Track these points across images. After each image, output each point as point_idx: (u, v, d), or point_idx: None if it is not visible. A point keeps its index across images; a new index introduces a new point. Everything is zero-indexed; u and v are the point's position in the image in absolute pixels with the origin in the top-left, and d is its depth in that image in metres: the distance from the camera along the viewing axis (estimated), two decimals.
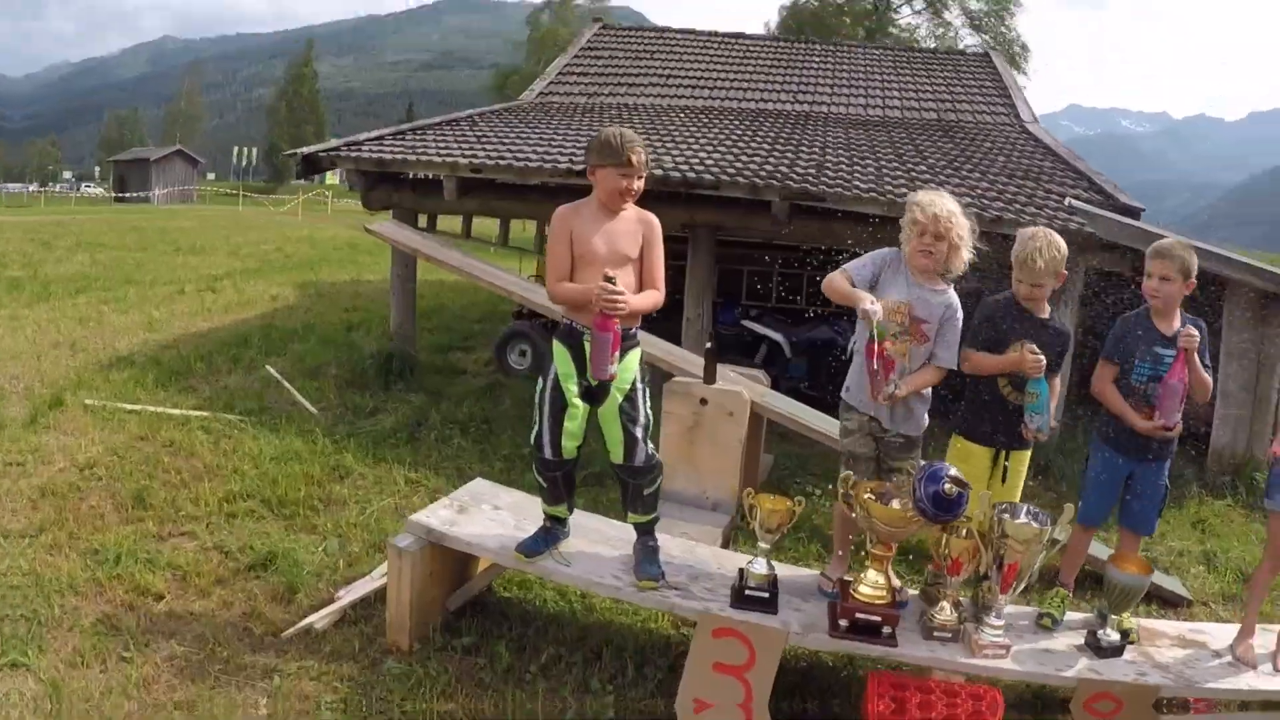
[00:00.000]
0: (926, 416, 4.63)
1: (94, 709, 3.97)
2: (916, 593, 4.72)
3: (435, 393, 9.73)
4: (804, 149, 11.04)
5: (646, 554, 4.54)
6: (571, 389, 4.34)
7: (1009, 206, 8.87)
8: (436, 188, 10.31)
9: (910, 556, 6.06)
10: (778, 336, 11.21)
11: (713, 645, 4.08)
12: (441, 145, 10.70)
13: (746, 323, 11.47)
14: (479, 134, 11.46)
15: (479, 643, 4.66)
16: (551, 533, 4.64)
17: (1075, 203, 9.09)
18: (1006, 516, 4.09)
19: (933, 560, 4.46)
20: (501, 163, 9.86)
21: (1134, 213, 9.40)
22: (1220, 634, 4.77)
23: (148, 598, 4.98)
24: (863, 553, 4.37)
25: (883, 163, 10.43)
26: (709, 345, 6.92)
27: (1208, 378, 4.63)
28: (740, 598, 4.27)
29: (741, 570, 4.39)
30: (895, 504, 4.17)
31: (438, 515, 4.84)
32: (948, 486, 3.93)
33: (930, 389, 4.58)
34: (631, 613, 5.10)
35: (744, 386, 6.85)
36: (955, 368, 4.52)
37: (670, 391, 6.65)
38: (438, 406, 9.14)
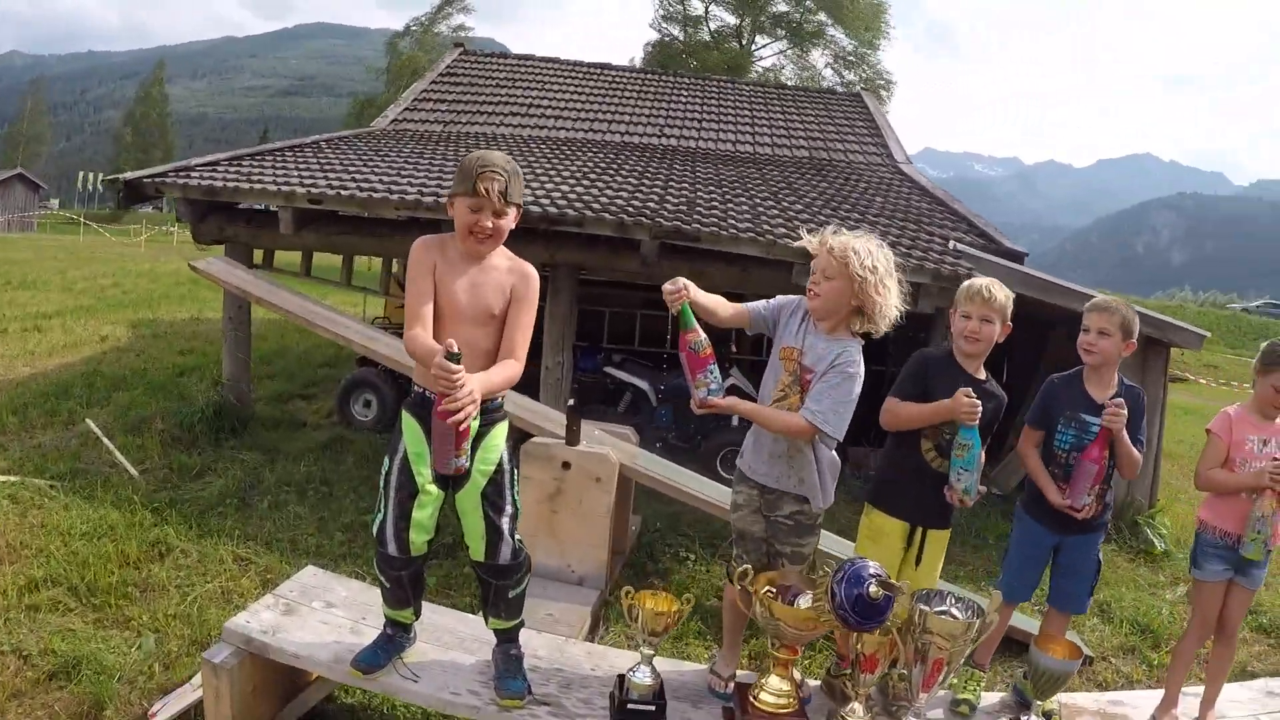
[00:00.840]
0: (825, 495, 3.99)
1: None
2: (817, 683, 4.19)
3: (271, 449, 8.83)
4: (673, 184, 10.52)
5: (509, 665, 3.85)
6: (424, 471, 3.61)
7: (894, 249, 8.43)
8: (272, 219, 9.47)
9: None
10: (642, 384, 10.57)
11: None
12: (280, 172, 9.80)
13: (609, 369, 10.79)
14: (323, 161, 10.61)
15: None
16: (394, 640, 3.94)
17: (960, 246, 8.74)
18: (927, 609, 3.58)
19: (838, 652, 4.12)
20: (344, 192, 9.00)
21: (1017, 257, 9.13)
22: (1139, 701, 4.59)
23: None
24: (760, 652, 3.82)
25: (757, 200, 9.92)
26: (571, 402, 6.21)
27: (1137, 455, 4.19)
28: (623, 712, 3.66)
29: (622, 678, 3.77)
30: (803, 602, 3.64)
31: (259, 619, 4.05)
32: (873, 589, 3.38)
33: (830, 463, 3.97)
34: None
35: (611, 447, 6.20)
36: (824, 424, 3.74)
37: (528, 454, 5.95)
38: (273, 466, 8.26)
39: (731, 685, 3.98)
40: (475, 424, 3.48)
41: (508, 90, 16.68)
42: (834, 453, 3.98)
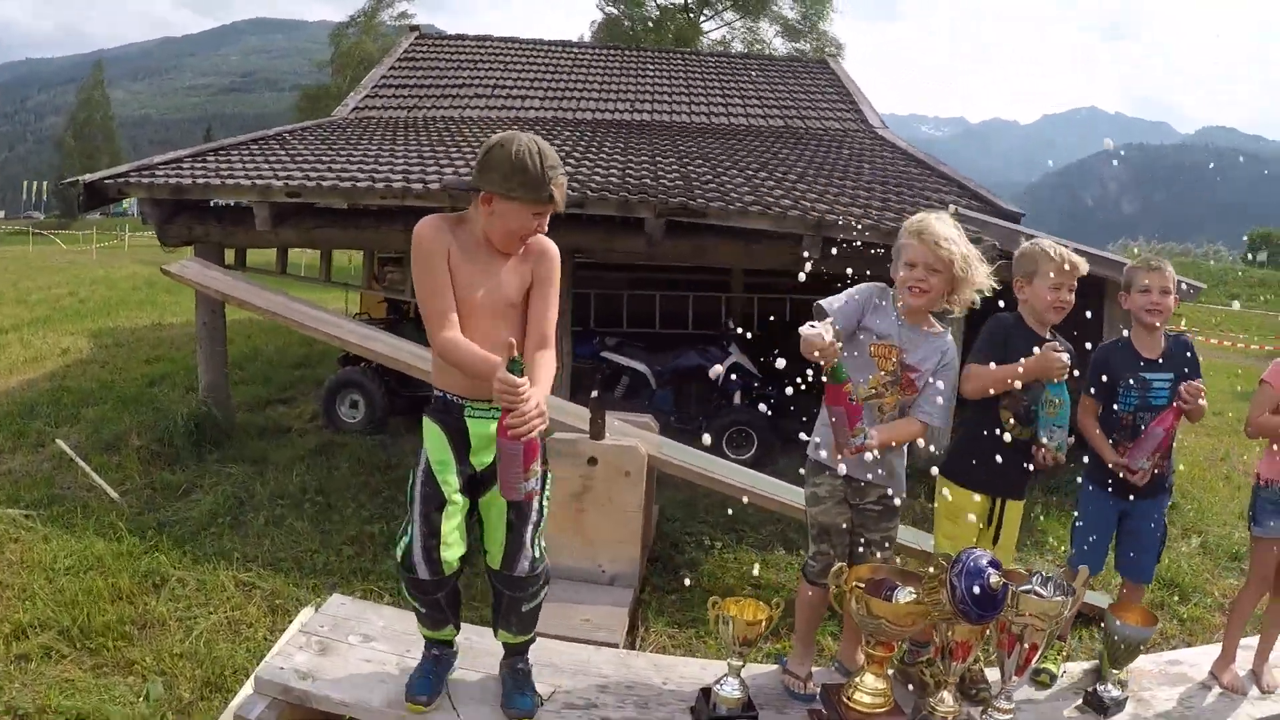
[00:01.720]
0: (904, 477, 3.87)
1: None
2: (892, 672, 3.96)
3: (258, 460, 8.33)
4: (660, 160, 10.21)
5: (516, 681, 3.60)
6: (451, 481, 3.31)
7: (900, 217, 8.20)
8: (245, 216, 8.99)
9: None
10: (641, 367, 10.26)
11: None
12: (250, 167, 9.35)
13: (606, 354, 10.47)
14: (292, 153, 10.17)
15: None
16: (443, 660, 3.66)
17: (963, 210, 8.50)
18: (1023, 590, 3.45)
19: (914, 640, 3.93)
20: (324, 184, 8.56)
21: (1015, 218, 8.92)
22: (1196, 659, 4.56)
23: None
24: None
25: (750, 173, 9.61)
26: (595, 393, 5.89)
27: (1204, 403, 4.05)
28: None
29: (707, 692, 3.56)
30: (902, 596, 3.45)
31: (293, 662, 3.69)
32: (994, 579, 3.22)
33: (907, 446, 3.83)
34: None
35: (638, 438, 5.89)
36: (941, 424, 3.76)
37: (552, 451, 5.55)
38: (263, 478, 7.78)
39: (810, 685, 3.82)
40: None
41: (469, 72, 16.27)
42: None
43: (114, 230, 47.98)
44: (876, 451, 3.59)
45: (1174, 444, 4.18)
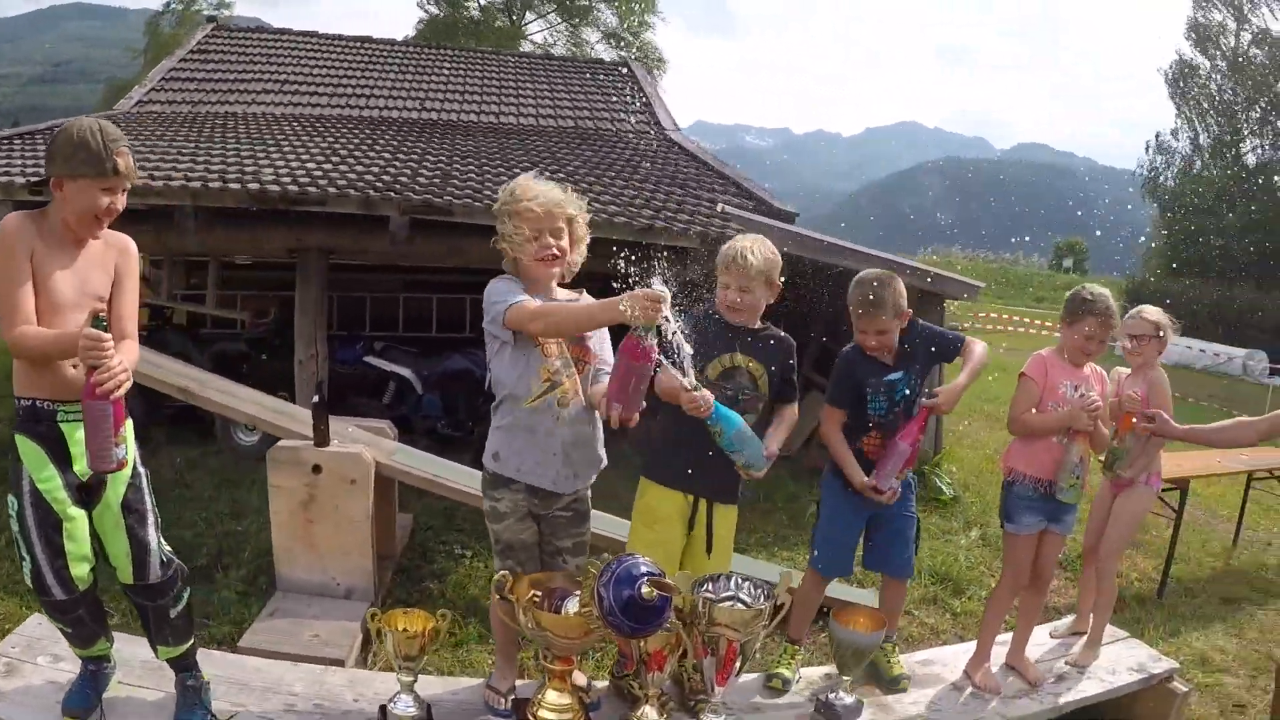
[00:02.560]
0: (598, 466, 3.73)
1: None
2: (604, 685, 3.87)
3: None
4: (429, 159, 10.02)
5: (186, 697, 3.42)
6: (61, 497, 3.10)
7: (658, 214, 8.21)
8: None
9: None
10: (406, 372, 9.97)
11: None
12: (2, 160, 8.85)
13: (370, 359, 10.13)
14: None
15: None
16: (100, 675, 3.47)
17: (729, 209, 8.55)
18: (712, 598, 3.35)
19: (620, 651, 3.84)
20: None
21: (788, 218, 9.03)
22: (948, 659, 4.65)
23: None
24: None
25: (516, 171, 9.45)
26: (317, 398, 5.61)
27: (976, 359, 4.18)
28: None
29: (383, 710, 3.39)
30: (571, 606, 3.25)
31: None
32: (646, 590, 2.94)
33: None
34: None
35: (365, 444, 5.65)
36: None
37: (275, 460, 5.37)
38: None
39: (509, 701, 3.66)
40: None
41: (262, 66, 15.76)
42: None
43: None
44: (567, 457, 3.51)
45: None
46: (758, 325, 3.92)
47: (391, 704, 3.36)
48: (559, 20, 43.64)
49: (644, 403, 3.17)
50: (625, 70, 18.47)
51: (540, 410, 3.44)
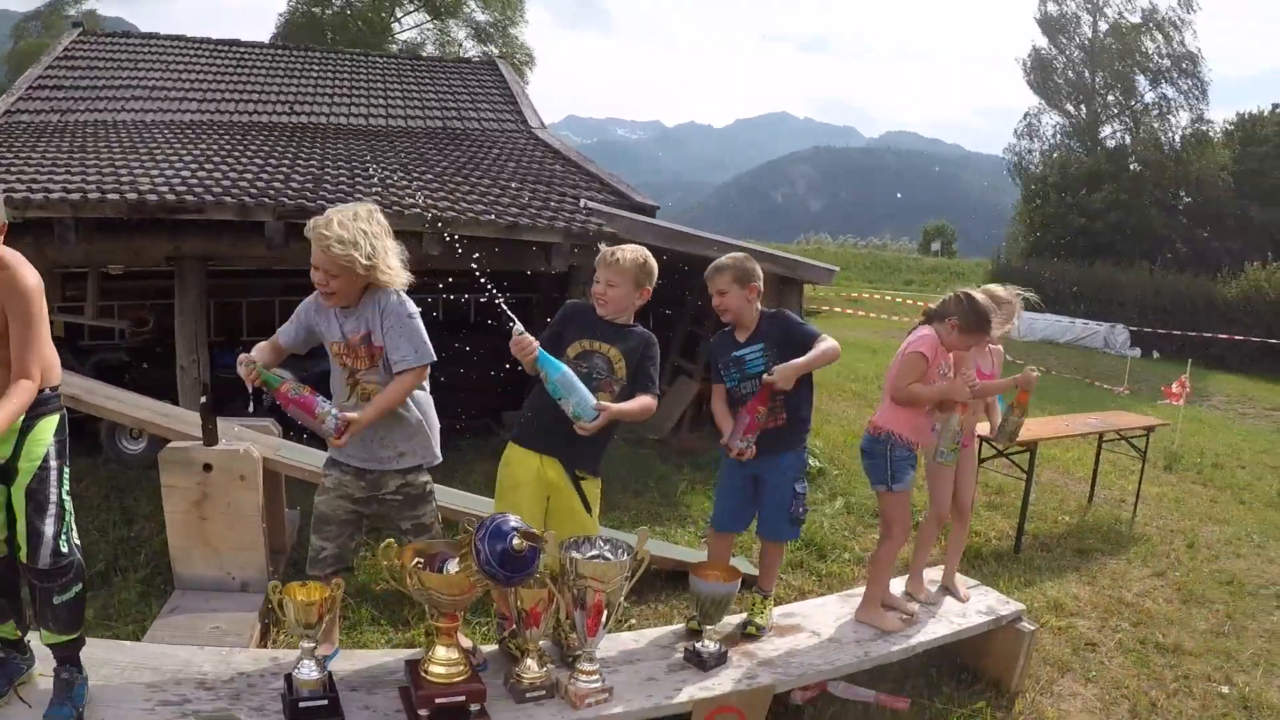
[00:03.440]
0: (429, 447, 4.04)
1: None
2: (495, 648, 4.19)
3: None
4: (300, 164, 10.16)
5: (56, 691, 3.41)
6: None
7: (524, 211, 8.50)
8: None
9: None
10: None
11: None
12: None
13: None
14: None
15: None
16: (9, 664, 3.51)
17: (592, 205, 8.90)
18: (579, 555, 3.67)
19: (499, 614, 4.19)
20: None
21: (649, 211, 9.39)
22: (807, 610, 5.10)
23: None
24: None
25: (386, 174, 9.70)
26: (204, 399, 5.81)
27: (823, 351, 4.49)
28: (296, 713, 3.47)
29: (289, 679, 3.58)
30: (452, 567, 3.58)
31: None
32: (517, 542, 3.34)
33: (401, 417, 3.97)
34: None
35: (251, 441, 5.87)
36: (423, 360, 3.90)
37: (166, 461, 5.55)
38: None
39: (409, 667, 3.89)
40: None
41: (130, 73, 15.55)
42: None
43: None
44: (379, 440, 3.88)
45: (803, 412, 4.68)
46: (623, 321, 4.25)
47: (296, 670, 3.57)
48: (427, 18, 43.35)
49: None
50: (492, 69, 18.61)
51: (351, 409, 3.81)
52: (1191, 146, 42.48)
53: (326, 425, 3.64)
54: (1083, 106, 45.88)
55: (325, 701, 3.52)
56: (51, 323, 9.75)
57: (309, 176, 9.30)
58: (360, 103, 15.61)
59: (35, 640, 3.63)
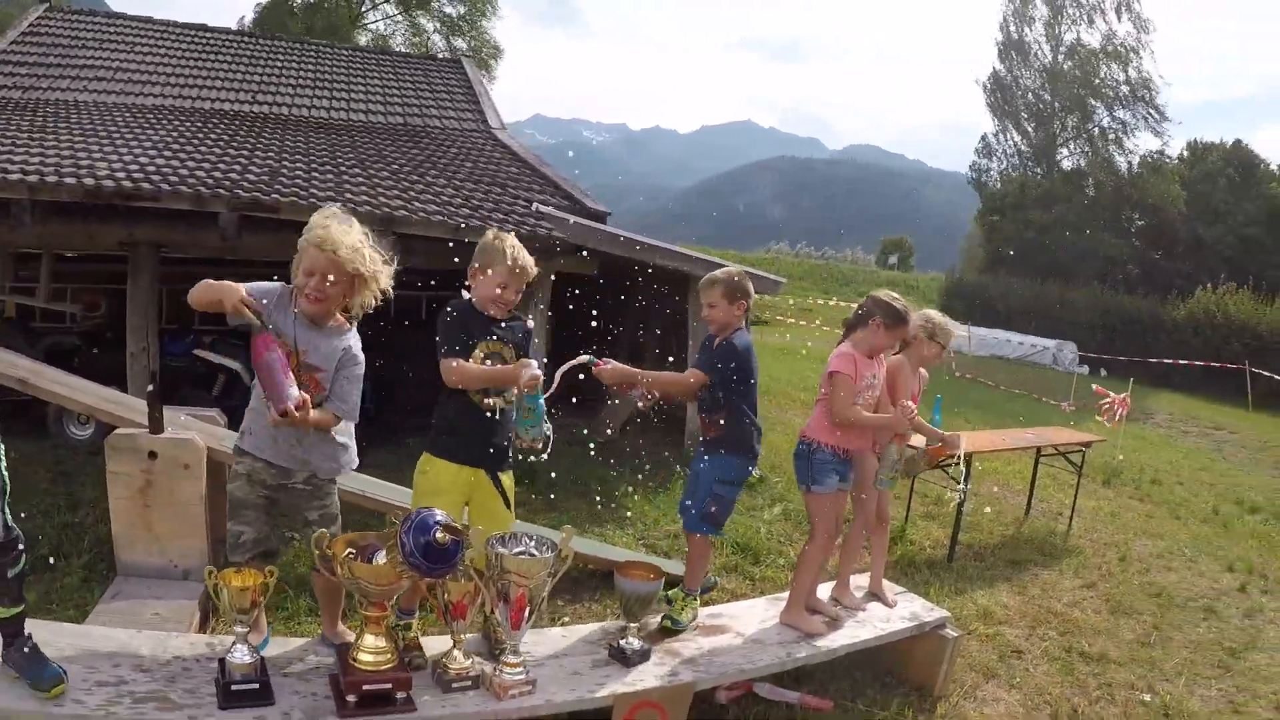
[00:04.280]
0: (343, 457, 4.14)
1: None
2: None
3: None
4: (259, 154, 10.21)
5: (34, 659, 3.51)
6: None
7: (475, 213, 8.67)
8: None
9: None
10: (235, 365, 10.08)
11: None
12: None
13: (200, 352, 10.23)
14: None
15: None
16: None
17: (542, 208, 9.03)
18: (504, 550, 3.74)
19: (403, 608, 4.27)
20: None
21: (600, 217, 9.50)
22: (736, 612, 5.22)
23: None
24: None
25: (343, 169, 9.83)
26: (150, 387, 5.85)
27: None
28: (228, 696, 3.55)
29: (222, 662, 3.67)
30: (381, 558, 3.67)
31: None
32: (440, 535, 3.48)
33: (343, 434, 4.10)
34: None
35: (198, 430, 5.89)
36: (352, 418, 4.06)
37: (112, 448, 5.54)
38: None
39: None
40: None
41: (94, 52, 15.45)
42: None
43: None
44: (295, 439, 3.93)
45: (739, 425, 4.89)
46: (509, 317, 4.38)
47: (229, 654, 3.65)
48: (396, 10, 43.17)
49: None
50: (457, 68, 18.64)
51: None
52: (1148, 172, 43.17)
53: (292, 391, 3.66)
54: (1041, 129, 46.51)
55: (257, 685, 3.60)
56: (2, 304, 9.79)
57: (265, 169, 9.36)
58: (323, 95, 15.62)
59: None
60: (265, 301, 3.82)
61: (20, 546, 3.55)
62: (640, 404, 5.06)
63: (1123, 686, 5.81)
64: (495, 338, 4.24)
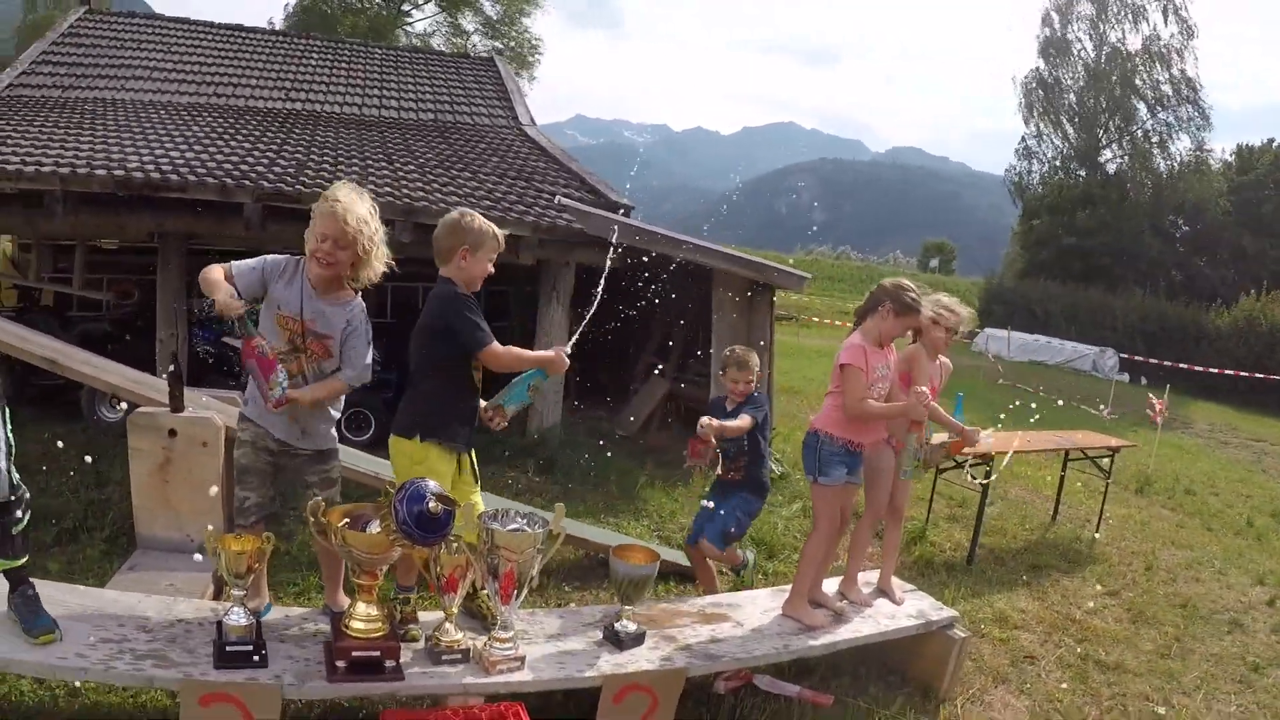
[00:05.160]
0: (333, 431, 4.26)
1: None
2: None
3: None
4: (287, 149, 10.40)
5: (30, 606, 3.72)
6: None
7: (497, 205, 8.73)
8: None
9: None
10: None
11: (204, 715, 3.53)
12: None
13: (228, 339, 10.36)
14: None
15: None
16: None
17: (565, 201, 9.10)
18: (497, 526, 3.82)
19: (399, 584, 4.30)
20: None
21: (624, 211, 9.57)
22: (731, 601, 5.20)
23: None
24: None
25: (369, 162, 9.97)
26: (172, 368, 6.01)
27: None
28: (223, 656, 3.68)
29: (219, 624, 3.81)
30: (374, 528, 3.79)
31: None
32: (433, 505, 3.59)
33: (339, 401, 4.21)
34: (118, 690, 4.30)
35: (216, 410, 6.06)
36: (364, 383, 4.17)
37: (135, 425, 5.74)
38: None
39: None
40: None
41: (133, 52, 15.76)
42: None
43: None
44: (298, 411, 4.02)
45: (756, 471, 5.55)
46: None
47: (225, 616, 3.78)
48: (436, 10, 43.41)
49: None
50: (490, 66, 18.78)
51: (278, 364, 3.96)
52: (1190, 173, 42.58)
53: (274, 393, 3.80)
54: (1083, 131, 45.96)
55: (250, 647, 3.73)
56: (40, 292, 9.99)
57: (293, 162, 9.53)
58: (355, 92, 15.82)
59: None
60: (270, 282, 4.00)
61: (25, 502, 3.75)
62: (707, 463, 5.43)
63: (1137, 697, 5.68)
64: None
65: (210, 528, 3.84)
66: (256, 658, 3.72)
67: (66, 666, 3.62)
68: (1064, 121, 46.65)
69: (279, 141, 10.88)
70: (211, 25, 18.23)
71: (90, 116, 11.45)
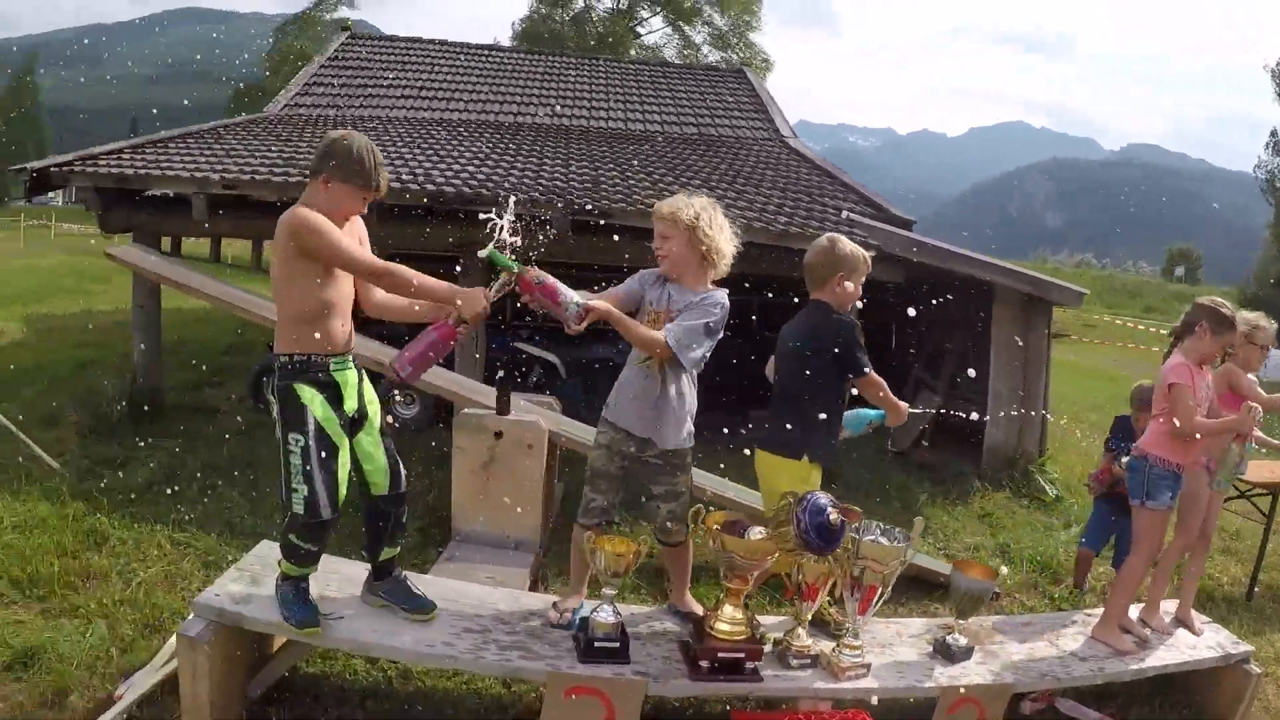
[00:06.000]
0: (688, 432, 4.30)
1: None
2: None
3: (190, 436, 8.76)
4: (574, 164, 10.80)
5: (406, 589, 4.18)
6: (338, 430, 3.85)
7: (792, 220, 8.87)
8: (182, 207, 9.34)
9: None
10: (552, 357, 10.79)
11: (566, 706, 3.76)
12: (188, 159, 9.75)
13: (519, 344, 10.97)
14: (226, 148, 10.58)
15: None
16: (305, 589, 4.05)
17: (853, 216, 9.18)
18: (859, 537, 3.97)
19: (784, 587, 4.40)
20: (258, 177, 9.07)
21: (906, 224, 9.59)
22: (1043, 621, 5.20)
23: None
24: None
25: (656, 177, 10.27)
26: (500, 374, 6.47)
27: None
28: (589, 651, 3.94)
29: (585, 620, 4.06)
30: (755, 534, 3.98)
31: (228, 591, 4.14)
32: (834, 517, 3.76)
33: (691, 401, 4.28)
34: (450, 675, 4.61)
35: (539, 414, 6.44)
36: (674, 344, 4.00)
37: (461, 425, 6.18)
38: (194, 453, 8.23)
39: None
40: None
41: (396, 73, 16.71)
42: (691, 393, 4.27)
43: (40, 218, 47.42)
44: (646, 404, 4.14)
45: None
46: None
47: (594, 613, 4.02)
48: (664, 24, 44.05)
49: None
50: (740, 77, 19.02)
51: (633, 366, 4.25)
52: None
53: (570, 311, 3.84)
54: None
55: (617, 644, 3.97)
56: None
57: (585, 177, 9.92)
58: (617, 106, 16.25)
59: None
60: (645, 288, 4.23)
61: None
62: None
63: None
64: None
65: (589, 533, 4.13)
66: (621, 654, 3.95)
67: (436, 654, 3.92)
68: None
69: (563, 157, 11.32)
70: (467, 46, 19.13)
71: (372, 134, 12.17)
